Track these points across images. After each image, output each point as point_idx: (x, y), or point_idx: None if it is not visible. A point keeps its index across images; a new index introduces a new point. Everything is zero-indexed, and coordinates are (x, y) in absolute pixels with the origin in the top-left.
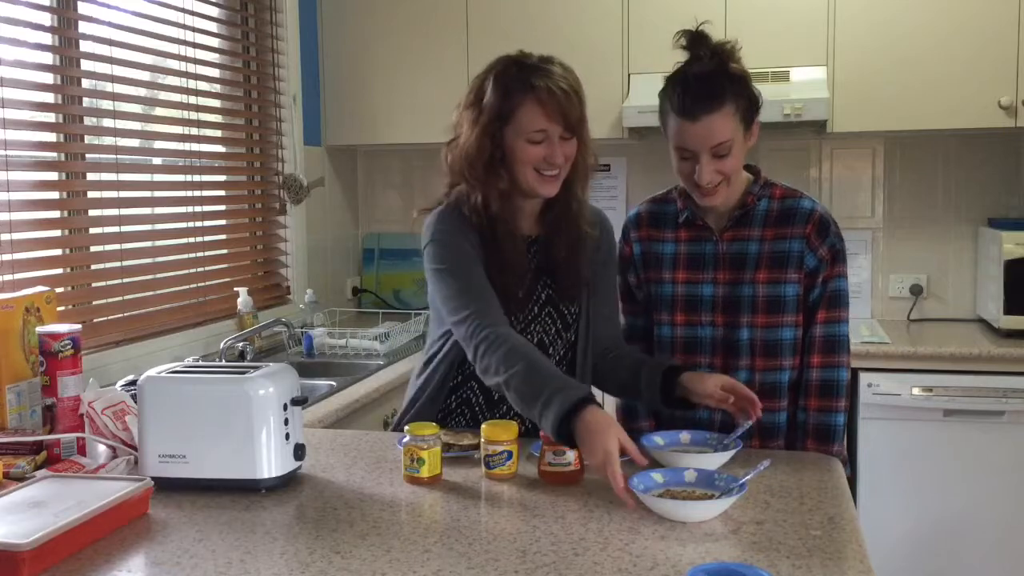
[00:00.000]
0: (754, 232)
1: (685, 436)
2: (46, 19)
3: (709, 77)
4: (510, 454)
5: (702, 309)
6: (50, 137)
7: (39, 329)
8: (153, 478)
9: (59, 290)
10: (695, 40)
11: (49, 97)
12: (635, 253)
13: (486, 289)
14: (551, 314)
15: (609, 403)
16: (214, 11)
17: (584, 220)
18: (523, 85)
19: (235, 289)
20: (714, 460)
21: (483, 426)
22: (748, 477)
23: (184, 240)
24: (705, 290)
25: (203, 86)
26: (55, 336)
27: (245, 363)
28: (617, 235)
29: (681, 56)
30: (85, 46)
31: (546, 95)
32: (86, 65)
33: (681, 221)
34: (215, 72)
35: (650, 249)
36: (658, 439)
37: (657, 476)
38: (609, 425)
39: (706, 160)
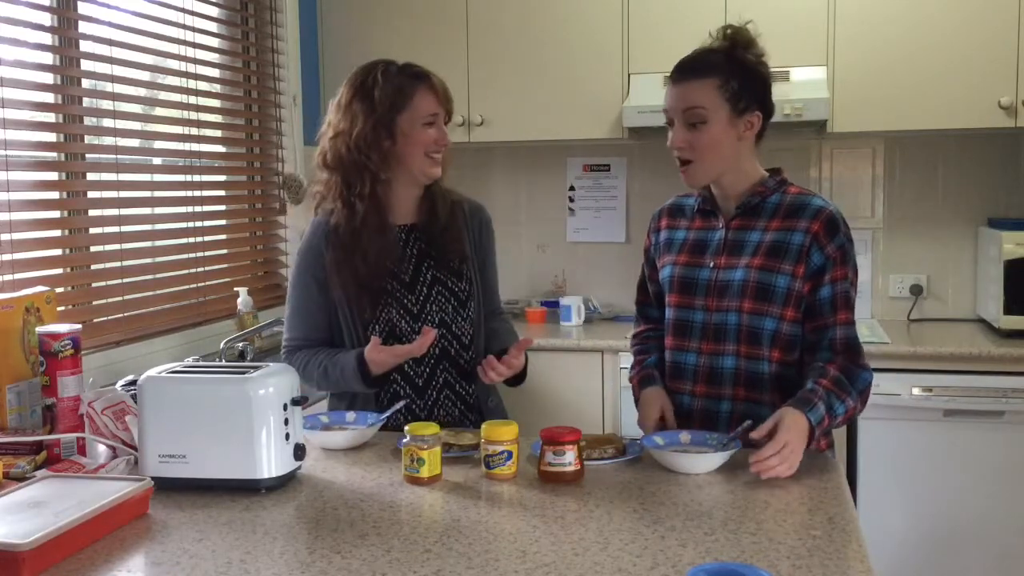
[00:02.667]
0: (760, 222)
1: (685, 436)
2: (46, 19)
3: (704, 51)
4: (510, 454)
5: (696, 292)
6: (50, 137)
7: (39, 329)
8: (153, 478)
9: (59, 290)
10: (725, 31)
11: (49, 97)
12: (652, 243)
13: (299, 314)
14: (442, 293)
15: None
16: (214, 11)
17: (458, 205)
18: (414, 76)
19: (235, 289)
20: (714, 460)
21: (483, 426)
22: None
23: (184, 240)
24: (702, 274)
25: (203, 86)
26: (55, 336)
27: (245, 363)
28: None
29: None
30: (85, 46)
31: (434, 82)
32: (86, 65)
33: (696, 210)
34: (215, 72)
35: (665, 238)
36: (658, 439)
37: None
38: (388, 354)
39: (678, 126)
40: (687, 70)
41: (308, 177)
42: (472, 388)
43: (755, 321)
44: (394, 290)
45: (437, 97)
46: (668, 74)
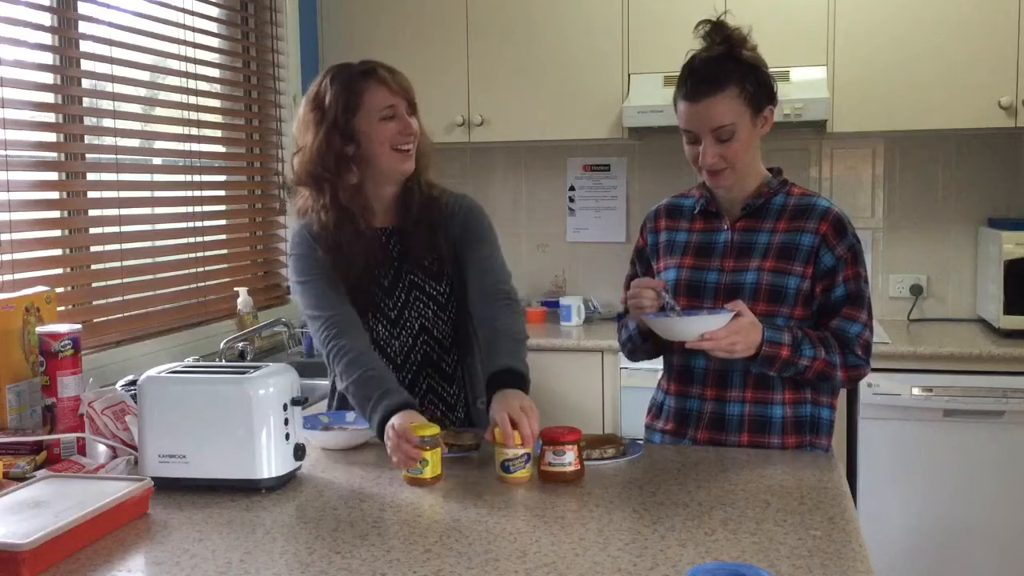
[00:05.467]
0: (767, 224)
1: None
2: (46, 19)
3: (714, 60)
4: (528, 457)
5: (705, 295)
6: (50, 137)
7: (39, 329)
8: (153, 478)
9: (59, 290)
10: (711, 29)
11: (49, 97)
12: (648, 244)
13: (337, 298)
14: (420, 298)
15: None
16: (214, 11)
17: (437, 201)
18: (361, 74)
19: (235, 289)
20: (713, 321)
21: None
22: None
23: (184, 240)
24: (710, 276)
25: (203, 86)
26: (55, 336)
27: (245, 363)
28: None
29: (699, 46)
30: (85, 46)
31: (384, 74)
32: (86, 65)
33: (697, 211)
34: (215, 72)
35: (664, 239)
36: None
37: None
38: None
39: (708, 142)
40: (703, 84)
41: None
42: (453, 389)
43: (767, 323)
44: (373, 294)
45: (389, 88)
46: (667, 74)
